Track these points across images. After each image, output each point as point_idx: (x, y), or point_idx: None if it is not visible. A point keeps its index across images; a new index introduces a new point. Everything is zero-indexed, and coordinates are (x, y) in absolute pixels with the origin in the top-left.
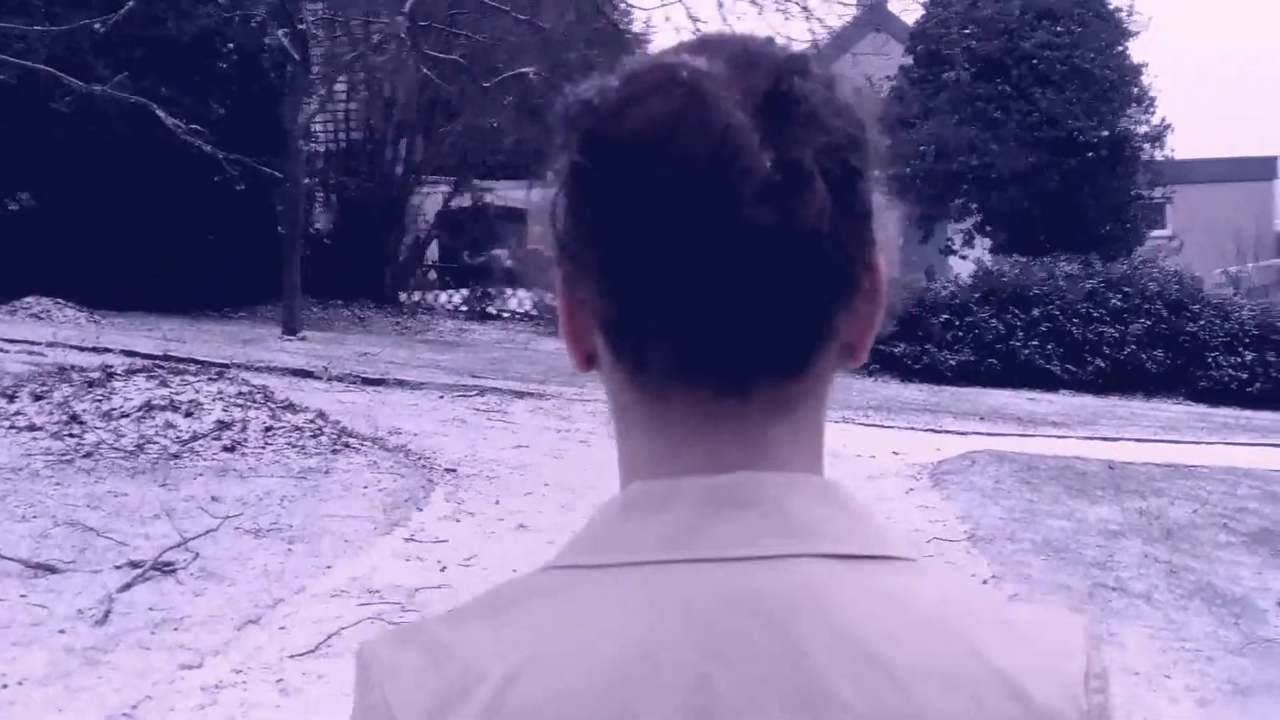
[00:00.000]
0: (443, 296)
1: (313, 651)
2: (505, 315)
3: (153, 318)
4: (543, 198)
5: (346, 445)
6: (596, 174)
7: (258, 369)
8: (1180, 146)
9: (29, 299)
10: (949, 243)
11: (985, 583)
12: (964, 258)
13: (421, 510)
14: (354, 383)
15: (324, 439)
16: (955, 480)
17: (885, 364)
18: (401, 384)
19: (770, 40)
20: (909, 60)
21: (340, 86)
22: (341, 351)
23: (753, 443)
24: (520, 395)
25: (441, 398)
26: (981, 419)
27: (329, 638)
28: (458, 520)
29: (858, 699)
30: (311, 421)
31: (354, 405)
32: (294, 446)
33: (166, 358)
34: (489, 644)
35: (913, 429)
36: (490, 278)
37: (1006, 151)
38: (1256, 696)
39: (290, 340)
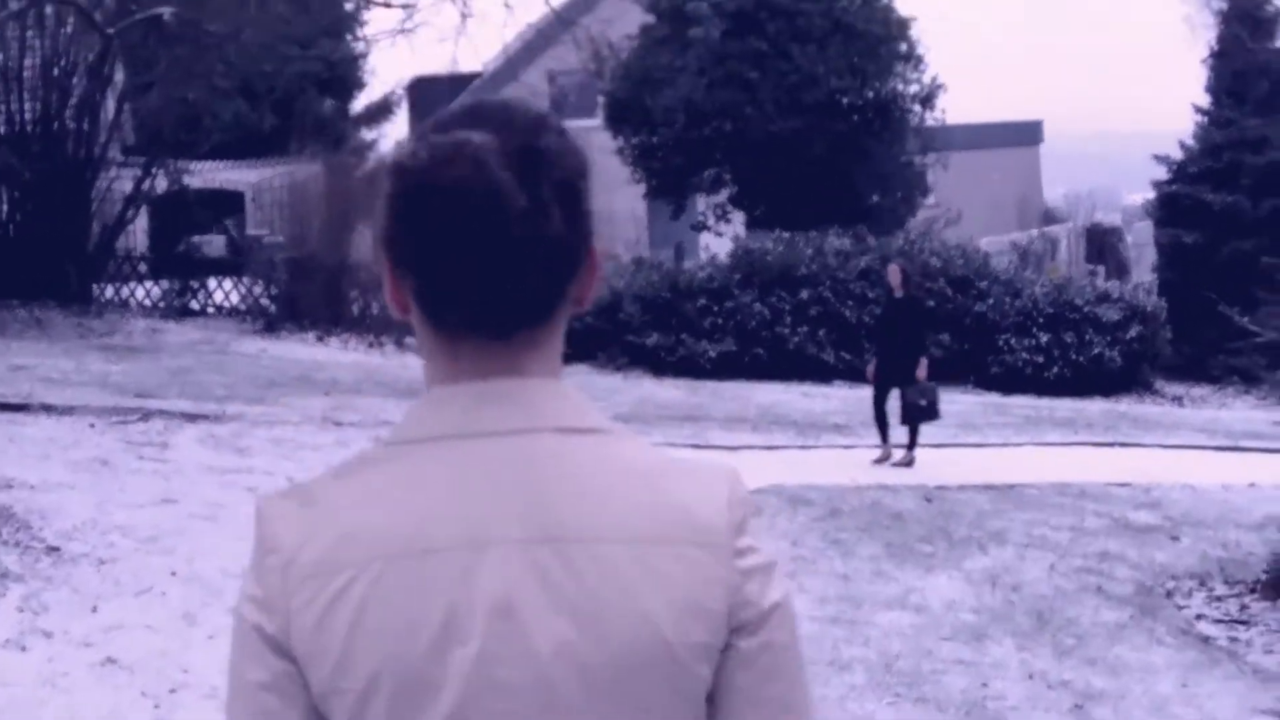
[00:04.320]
0: (140, 291)
1: None
2: (210, 311)
3: None
4: (263, 178)
5: None
6: (416, 212)
7: None
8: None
9: None
10: (701, 217)
11: None
12: (720, 234)
13: None
14: None
15: None
16: None
17: (636, 357)
18: (48, 409)
19: (523, 104)
20: (651, 18)
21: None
22: None
23: (512, 364)
24: (193, 419)
25: (92, 426)
26: (753, 427)
27: None
28: (23, 649)
29: (579, 522)
30: None
31: None
32: None
33: None
34: (341, 495)
35: (672, 445)
36: (192, 269)
37: (762, 115)
38: None
39: None
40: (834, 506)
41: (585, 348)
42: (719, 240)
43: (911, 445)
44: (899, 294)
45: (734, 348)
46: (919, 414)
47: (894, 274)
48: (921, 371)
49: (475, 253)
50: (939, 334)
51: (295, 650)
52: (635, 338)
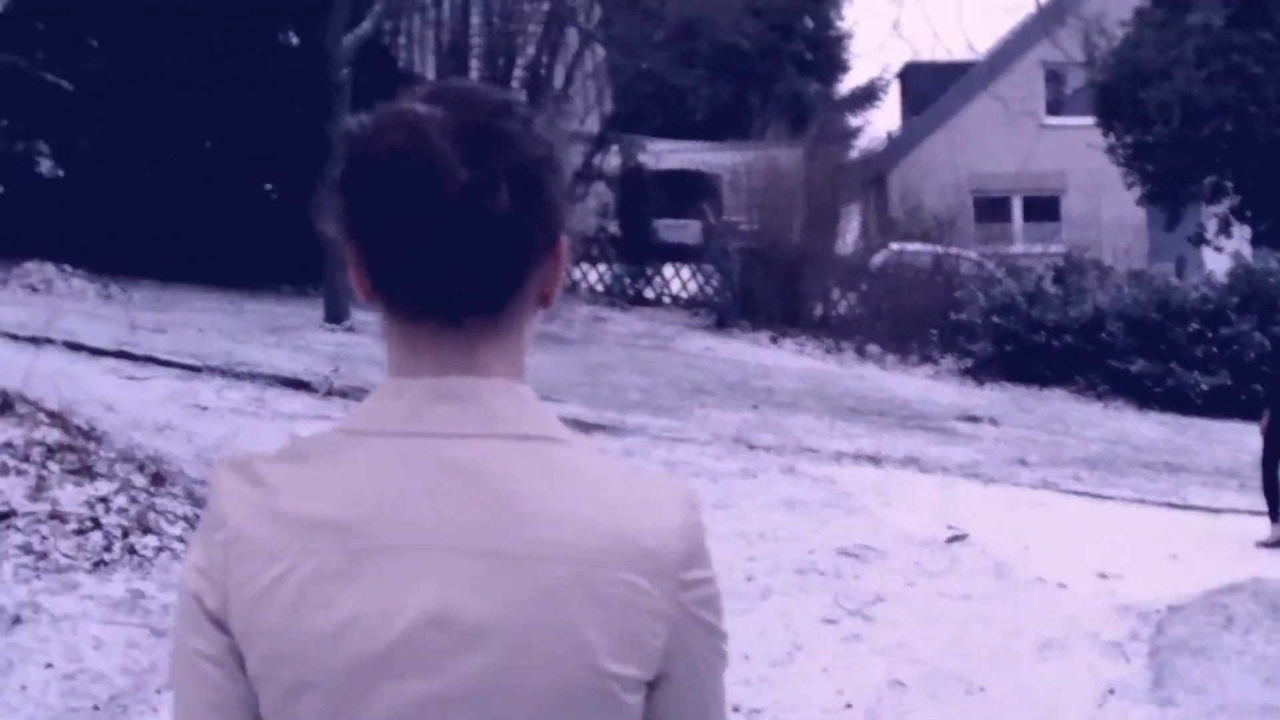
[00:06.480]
0: (592, 274)
1: None
2: (666, 300)
3: (187, 292)
4: (742, 162)
5: (133, 554)
6: (354, 183)
7: (238, 375)
8: None
9: (30, 264)
10: (1201, 229)
11: None
12: (1219, 249)
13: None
14: (359, 398)
15: (95, 539)
16: (1192, 674)
17: (1117, 384)
18: None
19: (494, 89)
20: (1146, 1)
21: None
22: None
23: (467, 356)
24: (585, 429)
25: None
26: (1241, 484)
27: None
28: None
29: (523, 537)
30: (106, 498)
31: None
32: (30, 553)
33: (119, 353)
34: (290, 480)
35: (1142, 502)
36: (649, 254)
37: (1268, 115)
38: None
39: (333, 330)
40: None
41: (1063, 371)
42: (1217, 256)
43: None
44: None
45: (1228, 381)
46: None
47: None
48: None
49: (413, 223)
50: None
51: (233, 627)
52: (1118, 363)
